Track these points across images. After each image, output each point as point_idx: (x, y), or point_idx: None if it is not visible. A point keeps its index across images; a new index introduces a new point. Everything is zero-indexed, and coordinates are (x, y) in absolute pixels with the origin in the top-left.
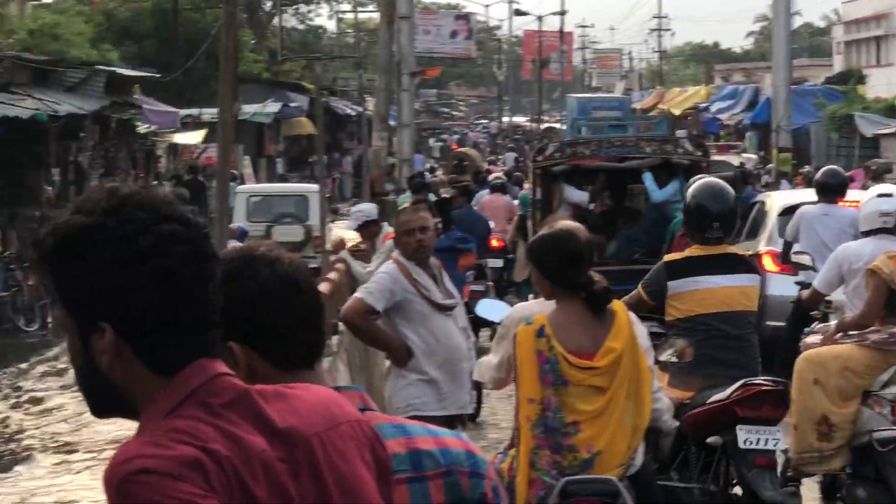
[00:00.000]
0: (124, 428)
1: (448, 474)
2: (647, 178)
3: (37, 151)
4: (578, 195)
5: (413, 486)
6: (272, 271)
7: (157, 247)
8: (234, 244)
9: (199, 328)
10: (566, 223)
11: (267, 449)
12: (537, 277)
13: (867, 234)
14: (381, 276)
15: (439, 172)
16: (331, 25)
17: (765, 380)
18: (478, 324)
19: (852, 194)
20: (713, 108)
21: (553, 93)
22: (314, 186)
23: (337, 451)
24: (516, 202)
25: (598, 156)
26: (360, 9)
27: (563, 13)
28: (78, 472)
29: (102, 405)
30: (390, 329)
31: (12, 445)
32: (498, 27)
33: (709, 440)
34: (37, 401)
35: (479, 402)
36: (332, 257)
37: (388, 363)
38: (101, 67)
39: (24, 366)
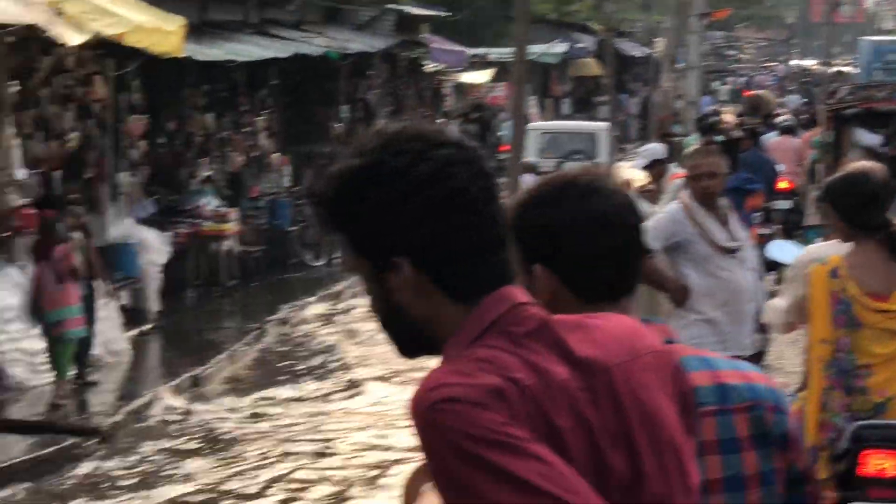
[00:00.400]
0: None
1: (753, 408)
2: None
3: (327, 89)
4: (871, 138)
5: (719, 418)
6: (585, 203)
7: (438, 172)
8: (528, 178)
9: (493, 249)
10: (863, 163)
11: (568, 378)
12: (833, 219)
13: None
14: (661, 216)
15: (726, 114)
16: None
17: None
18: (766, 266)
19: None
20: None
21: (843, 36)
22: (603, 125)
23: (638, 382)
24: (804, 144)
25: (893, 99)
26: None
27: None
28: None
29: (409, 345)
30: (671, 269)
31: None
32: None
33: None
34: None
35: (765, 344)
36: None
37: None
38: (391, 6)
39: (311, 299)
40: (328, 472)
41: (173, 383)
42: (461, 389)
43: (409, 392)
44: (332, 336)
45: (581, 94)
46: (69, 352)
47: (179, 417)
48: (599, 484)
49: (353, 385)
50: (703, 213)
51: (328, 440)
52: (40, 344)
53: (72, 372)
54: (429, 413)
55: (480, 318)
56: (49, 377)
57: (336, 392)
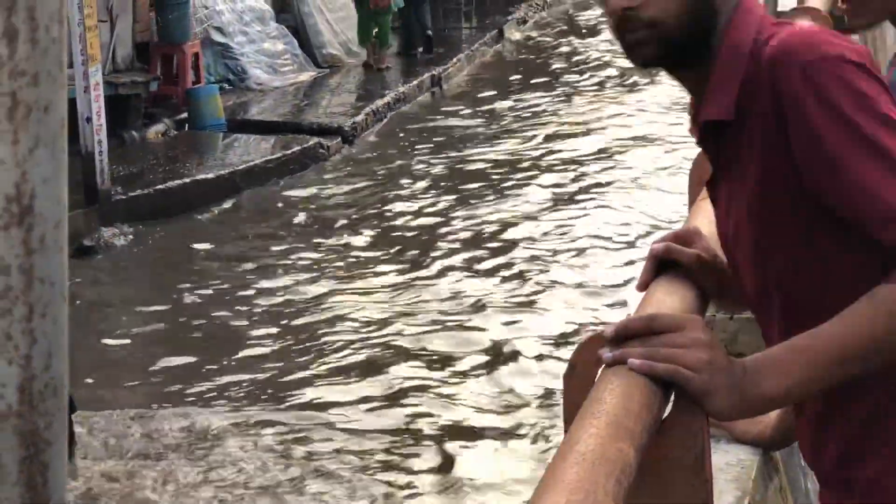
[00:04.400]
0: None
1: None
2: None
3: None
4: None
5: None
6: None
7: None
8: None
9: None
10: None
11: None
12: None
13: None
14: None
15: None
16: None
17: None
18: None
19: None
20: None
21: None
22: None
23: None
24: None
25: None
26: None
27: None
28: None
29: (674, 46)
30: None
31: None
32: None
33: None
34: None
35: None
36: None
37: None
38: None
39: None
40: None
41: (414, 83)
42: (844, 50)
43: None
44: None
45: None
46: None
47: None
48: None
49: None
50: None
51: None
52: (280, 45)
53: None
54: (819, 66)
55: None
56: (290, 78)
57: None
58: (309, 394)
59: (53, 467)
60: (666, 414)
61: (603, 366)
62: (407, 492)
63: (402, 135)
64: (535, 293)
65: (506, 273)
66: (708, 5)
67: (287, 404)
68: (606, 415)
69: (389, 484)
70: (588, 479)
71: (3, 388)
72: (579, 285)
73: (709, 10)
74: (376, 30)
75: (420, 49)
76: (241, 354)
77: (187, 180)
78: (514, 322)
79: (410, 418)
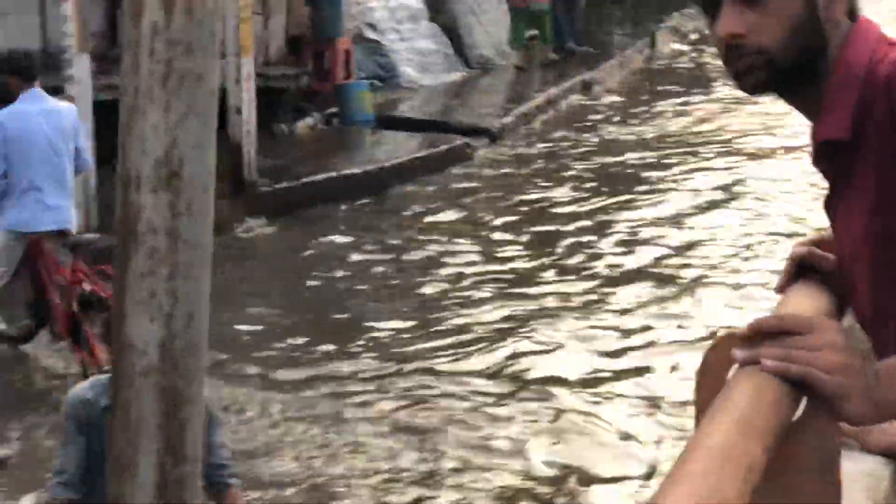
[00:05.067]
0: None
1: None
2: None
3: None
4: None
5: None
6: None
7: None
8: None
9: None
10: None
11: None
12: None
13: None
14: None
15: None
16: None
17: None
18: None
19: None
20: None
21: None
22: None
23: None
24: None
25: None
26: None
27: None
28: None
29: (788, 72)
30: None
31: None
32: None
33: None
34: None
35: None
36: None
37: None
38: None
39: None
40: None
41: (565, 86)
42: None
43: None
44: None
45: None
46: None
47: (578, 122)
48: None
49: None
50: None
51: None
52: (432, 44)
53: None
54: None
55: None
56: (441, 77)
57: None
58: (442, 387)
59: (191, 424)
60: (797, 416)
61: (736, 365)
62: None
63: (550, 137)
64: (684, 295)
65: (652, 274)
66: (816, 31)
67: (419, 395)
68: (736, 413)
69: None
70: (714, 475)
71: (145, 344)
72: (733, 287)
73: (817, 35)
74: (532, 31)
75: (568, 52)
76: (371, 344)
77: (333, 174)
78: (661, 325)
79: (556, 411)
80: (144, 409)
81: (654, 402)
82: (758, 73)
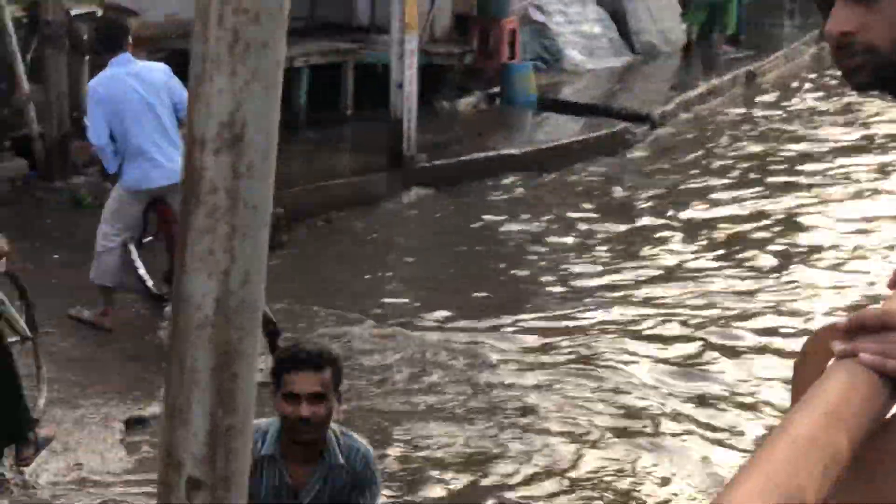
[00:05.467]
0: None
1: None
2: None
3: None
4: None
5: None
6: None
7: None
8: None
9: None
10: None
11: None
12: None
13: None
14: None
15: None
16: None
17: None
18: None
19: None
20: None
21: None
22: None
23: None
24: None
25: None
26: None
27: None
28: None
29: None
30: None
31: None
32: None
33: None
34: None
35: None
36: None
37: None
38: None
39: None
40: None
41: (728, 76)
42: None
43: None
44: None
45: None
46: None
47: (739, 113)
48: None
49: None
50: None
51: None
52: (598, 29)
53: None
54: None
55: None
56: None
57: None
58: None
59: (243, 378)
60: (891, 413)
61: (834, 357)
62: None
63: (711, 127)
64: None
65: (797, 264)
66: None
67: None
68: (826, 404)
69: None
70: (795, 462)
71: (201, 299)
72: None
73: None
74: (707, 17)
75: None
76: (516, 314)
77: (491, 153)
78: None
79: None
80: (198, 361)
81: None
82: (864, 71)
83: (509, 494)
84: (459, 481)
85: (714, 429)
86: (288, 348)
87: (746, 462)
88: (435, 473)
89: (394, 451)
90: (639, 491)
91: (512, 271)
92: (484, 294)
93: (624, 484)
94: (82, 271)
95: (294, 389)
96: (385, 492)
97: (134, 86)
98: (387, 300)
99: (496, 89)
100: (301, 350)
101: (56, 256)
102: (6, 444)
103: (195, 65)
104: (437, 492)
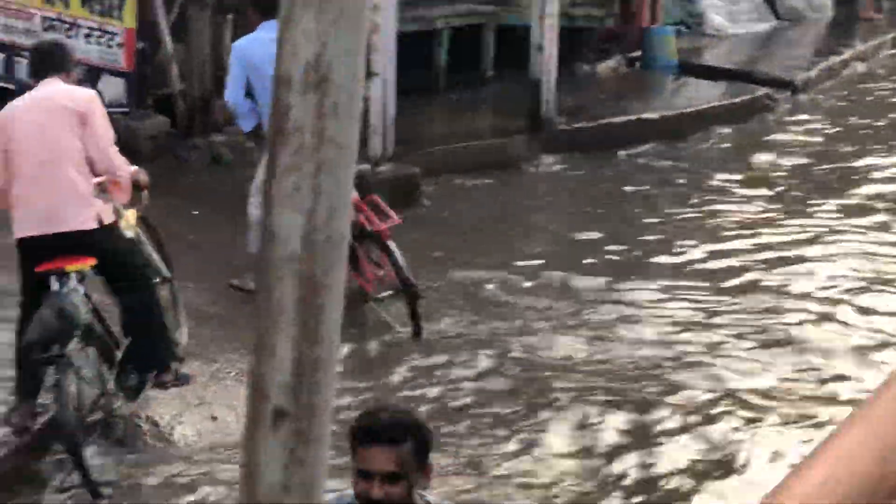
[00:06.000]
0: None
1: None
2: None
3: None
4: None
5: None
6: None
7: None
8: None
9: None
10: None
11: None
12: None
13: None
14: None
15: None
16: None
17: None
18: None
19: None
20: None
21: None
22: None
23: None
24: None
25: None
26: None
27: None
28: None
29: None
30: None
31: None
32: None
33: None
34: None
35: None
36: None
37: None
38: None
39: None
40: None
41: (874, 42)
42: None
43: None
44: None
45: None
46: None
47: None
48: None
49: None
50: None
51: None
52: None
53: None
54: None
55: None
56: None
57: None
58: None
59: (328, 310)
60: None
61: None
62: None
63: (853, 95)
64: None
65: None
66: None
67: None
68: None
69: None
70: (865, 442)
71: (288, 235)
72: None
73: None
74: None
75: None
76: (659, 278)
77: (632, 117)
78: None
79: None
80: (284, 294)
81: None
82: None
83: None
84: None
85: None
86: (366, 414)
87: (827, 437)
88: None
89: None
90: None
91: (647, 235)
92: (621, 255)
93: None
94: (221, 228)
95: (366, 467)
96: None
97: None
98: (520, 263)
99: (636, 53)
100: (377, 420)
101: (195, 213)
102: (149, 372)
103: (283, 6)
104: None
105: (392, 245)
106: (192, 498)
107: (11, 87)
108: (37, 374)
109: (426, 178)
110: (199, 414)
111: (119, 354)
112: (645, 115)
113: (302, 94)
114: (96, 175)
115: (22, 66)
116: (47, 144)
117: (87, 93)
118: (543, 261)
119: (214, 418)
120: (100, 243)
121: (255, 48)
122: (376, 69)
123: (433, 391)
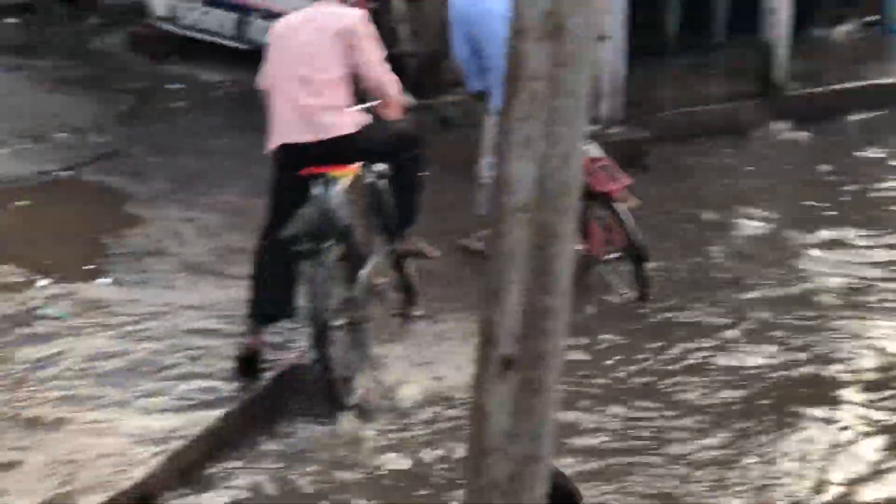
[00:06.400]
0: None
1: None
2: None
3: None
4: None
5: None
6: None
7: None
8: None
9: None
10: None
11: None
12: None
13: None
14: None
15: None
16: None
17: None
18: None
19: None
20: None
21: None
22: None
23: None
24: None
25: None
26: None
27: None
28: None
29: None
30: None
31: None
32: None
33: None
34: None
35: None
36: None
37: None
38: None
39: None
40: None
41: None
42: None
43: None
44: None
45: None
46: None
47: None
48: None
49: None
50: None
51: None
52: None
53: None
54: None
55: None
56: None
57: None
58: None
59: (560, 259)
60: None
61: None
62: None
63: None
64: None
65: None
66: None
67: None
68: None
69: None
70: None
71: (520, 182)
72: None
73: None
74: None
75: None
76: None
77: (865, 83)
78: None
79: None
80: (516, 242)
81: None
82: None
83: None
84: None
85: None
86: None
87: None
88: None
89: None
90: None
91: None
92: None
93: None
94: (449, 189)
95: None
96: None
97: (490, 7)
98: (748, 232)
99: (874, 17)
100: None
101: (426, 173)
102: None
103: None
104: None
105: (621, 206)
106: (411, 455)
107: (244, 46)
108: (289, 272)
109: (654, 143)
110: (424, 374)
111: (364, 272)
112: (882, 80)
113: (537, 43)
114: (366, 94)
115: (253, 27)
116: (313, 60)
117: (356, 13)
118: (774, 227)
119: (439, 378)
120: (358, 145)
121: (464, 2)
122: (607, 32)
123: (642, 364)
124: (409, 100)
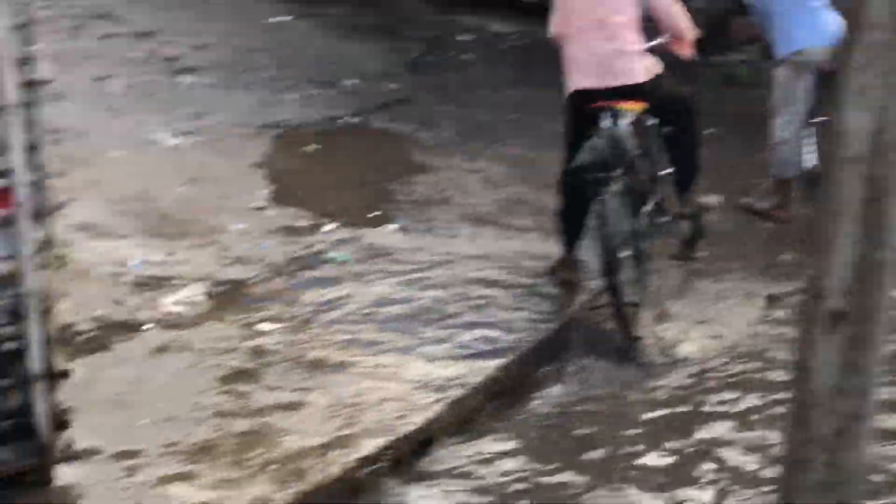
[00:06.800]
0: None
1: None
2: None
3: None
4: None
5: None
6: None
7: None
8: None
9: None
10: None
11: None
12: None
13: None
14: None
15: None
16: None
17: None
18: None
19: None
20: None
21: None
22: None
23: None
24: None
25: None
26: None
27: None
28: None
29: None
30: None
31: None
32: None
33: None
34: None
35: None
36: None
37: None
38: None
39: None
40: None
41: None
42: None
43: None
44: None
45: None
46: None
47: None
48: None
49: None
50: None
51: None
52: None
53: None
54: None
55: None
56: None
57: None
58: None
59: (894, 210)
60: None
61: None
62: None
63: None
64: None
65: None
66: None
67: None
68: None
69: None
70: None
71: (855, 134)
72: None
73: None
74: None
75: None
76: None
77: None
78: None
79: None
80: (848, 195)
81: None
82: None
83: None
84: None
85: None
86: None
87: None
88: None
89: None
90: None
91: None
92: None
93: None
94: (732, 147)
95: None
96: None
97: None
98: None
99: None
100: None
101: (711, 131)
102: (687, 189)
103: None
104: None
105: None
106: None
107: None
108: (583, 196)
109: None
110: (703, 331)
111: (647, 208)
112: None
113: None
114: (661, 32)
115: None
116: (608, 2)
117: None
118: None
119: (718, 337)
120: (650, 92)
121: None
122: None
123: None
124: (698, 32)
